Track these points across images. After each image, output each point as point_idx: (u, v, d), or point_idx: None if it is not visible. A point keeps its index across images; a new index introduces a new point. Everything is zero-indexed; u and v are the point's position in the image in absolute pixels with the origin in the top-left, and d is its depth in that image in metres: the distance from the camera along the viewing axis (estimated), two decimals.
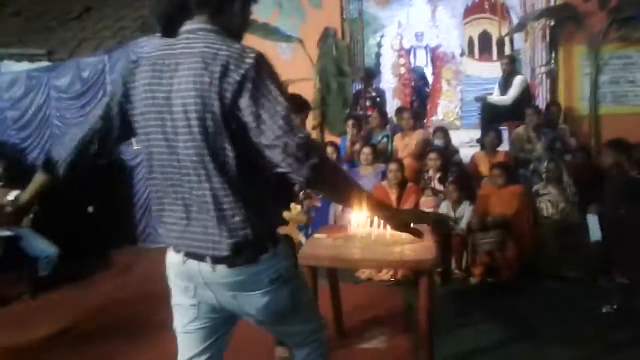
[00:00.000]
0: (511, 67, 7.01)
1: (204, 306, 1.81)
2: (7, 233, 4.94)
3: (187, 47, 1.63)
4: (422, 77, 9.55)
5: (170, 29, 1.72)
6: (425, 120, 8.91)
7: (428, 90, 9.79)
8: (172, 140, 1.65)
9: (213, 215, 1.63)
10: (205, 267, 1.69)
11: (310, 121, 6.98)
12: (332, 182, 1.61)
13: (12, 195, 4.83)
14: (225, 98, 1.54)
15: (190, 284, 1.77)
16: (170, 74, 1.63)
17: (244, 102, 1.54)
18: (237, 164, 1.59)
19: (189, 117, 1.59)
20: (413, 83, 9.49)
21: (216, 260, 1.67)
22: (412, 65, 10.02)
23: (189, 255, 1.71)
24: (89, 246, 6.02)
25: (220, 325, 1.87)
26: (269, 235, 1.73)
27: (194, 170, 1.63)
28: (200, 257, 1.69)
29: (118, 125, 1.81)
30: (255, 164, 1.60)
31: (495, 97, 6.81)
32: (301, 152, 1.51)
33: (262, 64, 1.57)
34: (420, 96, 9.30)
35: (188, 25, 1.69)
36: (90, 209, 6.37)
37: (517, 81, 6.76)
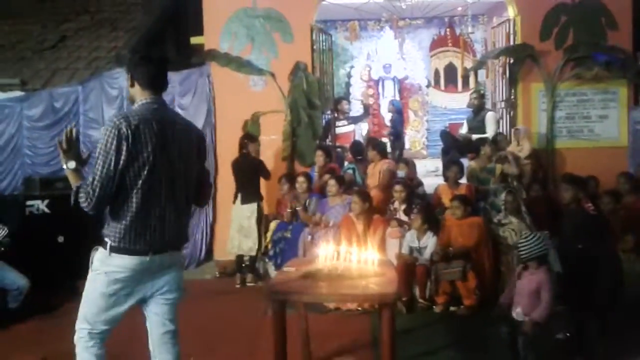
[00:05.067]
0: (481, 101, 7.35)
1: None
2: None
3: None
4: (399, 110, 9.80)
5: None
6: (398, 152, 9.17)
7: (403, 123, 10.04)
8: None
9: None
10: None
11: (281, 152, 7.18)
12: None
13: None
14: None
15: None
16: None
17: None
18: None
19: None
20: (391, 116, 9.73)
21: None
22: (392, 99, 10.24)
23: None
24: (59, 277, 6.04)
25: None
26: None
27: None
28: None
29: None
30: None
31: (482, 136, 7.07)
32: None
33: None
34: (395, 128, 9.55)
35: None
36: (60, 239, 6.38)
37: (491, 118, 7.17)
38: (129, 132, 2.41)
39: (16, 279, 5.11)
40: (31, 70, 8.04)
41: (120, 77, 7.39)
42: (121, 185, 2.46)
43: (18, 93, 7.64)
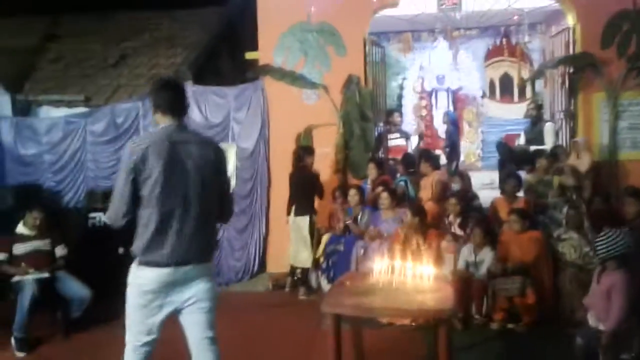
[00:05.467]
0: (538, 112, 7.18)
1: None
2: (45, 275, 5.20)
3: None
4: (454, 121, 9.68)
5: None
6: (454, 164, 9.05)
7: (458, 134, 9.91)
8: None
9: None
10: None
11: (334, 165, 7.18)
12: None
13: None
14: None
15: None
16: None
17: None
18: None
19: None
20: (446, 127, 9.61)
21: None
22: (446, 110, 10.13)
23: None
24: (119, 288, 6.21)
25: None
26: None
27: None
28: None
29: None
30: None
31: (540, 148, 6.97)
32: None
33: None
34: (451, 140, 9.44)
35: None
36: (120, 250, 6.58)
37: (550, 129, 6.99)
38: (140, 154, 2.63)
39: (79, 289, 5.28)
40: (94, 86, 8.37)
41: None
42: (139, 202, 2.68)
43: (82, 109, 7.96)
